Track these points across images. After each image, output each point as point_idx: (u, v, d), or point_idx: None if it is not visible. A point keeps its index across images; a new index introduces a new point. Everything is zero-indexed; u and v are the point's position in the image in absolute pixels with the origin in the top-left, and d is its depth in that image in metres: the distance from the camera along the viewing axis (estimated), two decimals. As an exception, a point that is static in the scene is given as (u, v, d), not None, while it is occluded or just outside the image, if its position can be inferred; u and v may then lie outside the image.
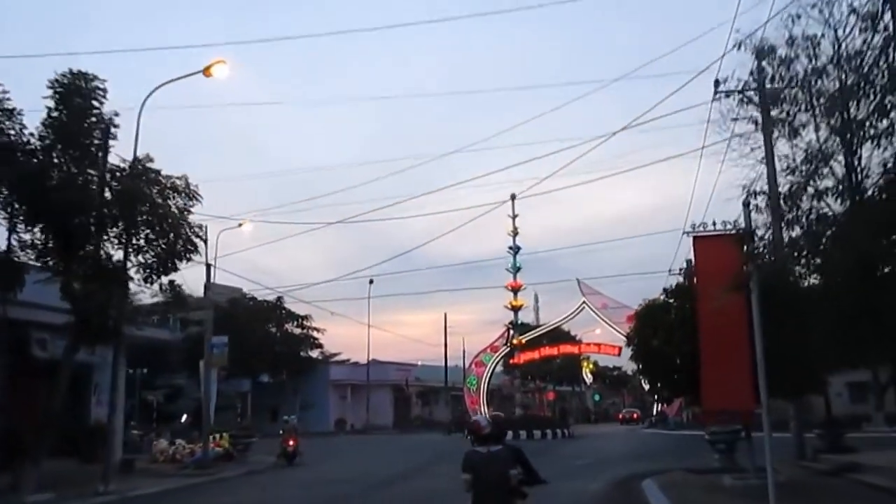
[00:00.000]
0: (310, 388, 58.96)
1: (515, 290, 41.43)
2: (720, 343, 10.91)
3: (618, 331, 57.78)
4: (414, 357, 72.56)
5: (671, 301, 16.72)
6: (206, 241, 26.97)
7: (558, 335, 67.36)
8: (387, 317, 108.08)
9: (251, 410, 57.14)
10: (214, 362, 27.87)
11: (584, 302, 59.17)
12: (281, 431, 27.75)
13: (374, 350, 66.78)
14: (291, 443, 26.31)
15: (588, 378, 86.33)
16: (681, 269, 16.92)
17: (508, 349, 61.30)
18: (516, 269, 41.35)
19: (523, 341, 42.39)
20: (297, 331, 60.13)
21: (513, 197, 41.53)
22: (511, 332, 63.60)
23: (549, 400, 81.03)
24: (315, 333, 59.52)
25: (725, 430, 18.87)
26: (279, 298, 58.89)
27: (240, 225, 38.51)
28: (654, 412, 56.92)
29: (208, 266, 26.13)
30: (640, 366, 17.88)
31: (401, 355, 70.11)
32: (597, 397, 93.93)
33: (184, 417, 57.25)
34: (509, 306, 41.60)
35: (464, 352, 66.47)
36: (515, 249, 41.33)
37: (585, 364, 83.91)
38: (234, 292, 60.63)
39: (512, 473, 6.49)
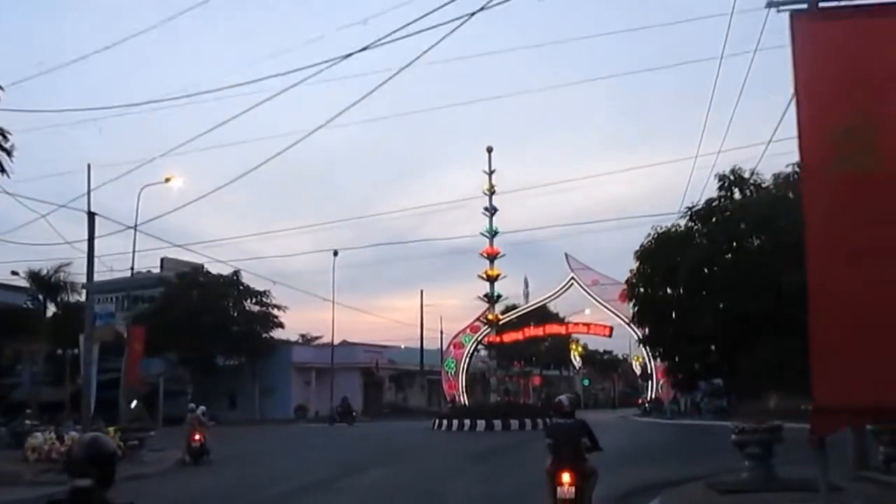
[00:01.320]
0: (270, 371, 53.61)
1: (492, 257, 35.79)
2: (857, 262, 5.16)
3: (609, 309, 52.58)
4: (400, 340, 67.55)
5: (696, 227, 11.13)
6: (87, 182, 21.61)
7: (545, 316, 62.26)
8: (377, 301, 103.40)
9: (196, 396, 51.58)
10: (98, 335, 22.21)
11: (572, 278, 53.94)
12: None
13: (361, 334, 61.75)
14: (198, 437, 20.95)
15: (577, 362, 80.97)
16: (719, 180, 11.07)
17: (486, 327, 56.06)
18: (493, 234, 35.71)
19: (500, 316, 36.59)
20: (256, 308, 54.85)
21: (489, 150, 35.92)
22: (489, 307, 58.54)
23: (535, 385, 75.83)
24: (276, 311, 54.26)
25: (760, 428, 13.52)
26: (236, 272, 53.43)
27: (167, 180, 32.95)
28: (648, 398, 51.60)
29: (91, 215, 20.44)
30: (647, 330, 12.15)
31: (387, 339, 64.47)
32: (586, 382, 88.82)
33: (133, 403, 51.88)
34: (484, 276, 36.03)
35: (441, 332, 61.10)
36: (492, 210, 35.70)
37: (574, 346, 78.67)
38: (182, 266, 55.16)
39: (582, 441, 8.45)
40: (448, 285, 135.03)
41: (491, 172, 35.68)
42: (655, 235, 11.81)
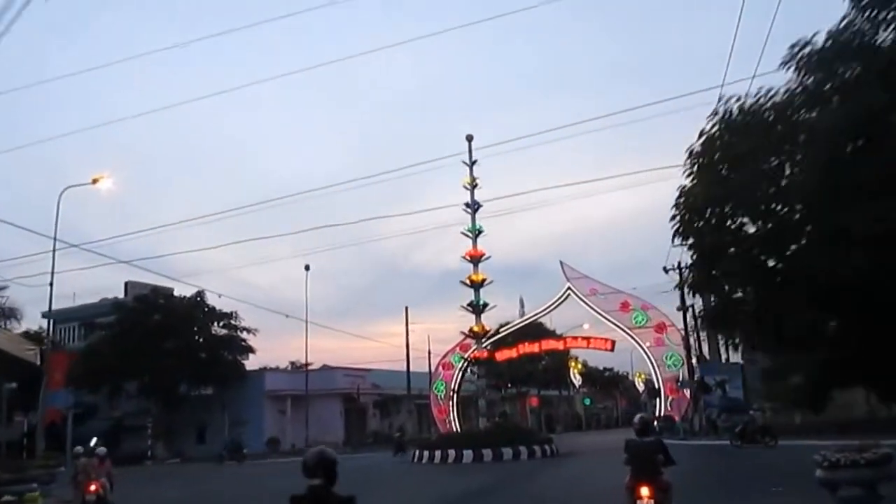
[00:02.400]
0: (241, 400, 48.82)
1: (476, 259, 31.15)
2: None
3: (610, 320, 48.00)
4: (391, 364, 63.02)
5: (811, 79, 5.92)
6: None
7: (542, 333, 57.76)
8: (374, 328, 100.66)
9: (157, 430, 46.76)
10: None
11: (568, 287, 49.41)
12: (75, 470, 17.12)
13: (354, 360, 57.10)
14: (93, 488, 16.18)
15: (577, 380, 76.10)
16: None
17: (473, 341, 51.38)
18: (476, 233, 31.13)
19: (486, 327, 31.78)
20: (224, 332, 50.18)
21: (469, 139, 31.50)
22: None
23: (532, 406, 70.95)
24: (245, 334, 49.60)
25: (861, 460, 8.98)
26: (199, 293, 48.83)
27: (94, 181, 28.47)
28: (657, 415, 46.77)
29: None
30: (713, 299, 7.52)
31: (380, 363, 59.48)
32: (587, 402, 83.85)
33: (93, 441, 47.04)
34: (468, 282, 31.39)
35: (429, 353, 56.34)
36: (474, 207, 31.16)
37: (573, 364, 73.99)
38: (141, 289, 50.53)
39: (658, 458, 8.89)
40: (445, 310, 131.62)
41: (472, 164, 31.24)
42: (728, 114, 7.00)
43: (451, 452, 27.14)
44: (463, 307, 30.82)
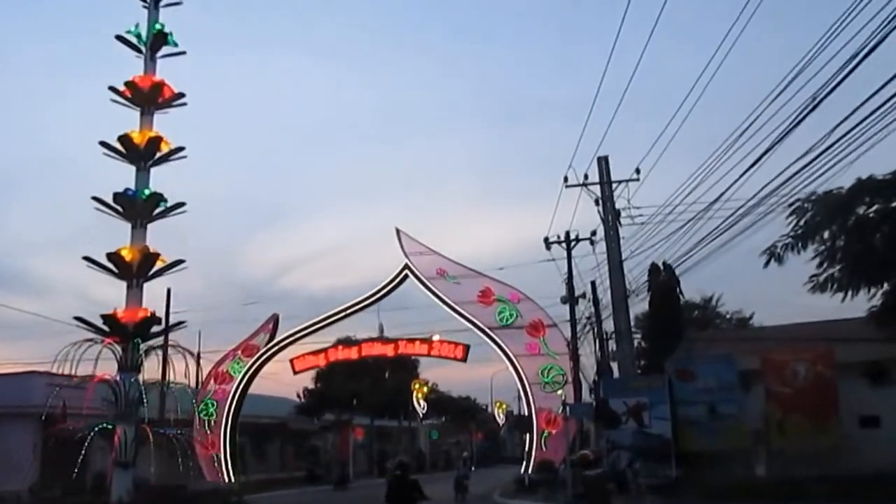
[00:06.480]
0: None
1: (143, 96, 13.41)
2: None
3: (464, 315, 32.39)
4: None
5: None
6: None
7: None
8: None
9: None
10: None
11: (406, 266, 33.44)
12: None
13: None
14: None
15: (421, 408, 59.48)
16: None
17: (269, 343, 34.56)
18: (153, 39, 13.52)
19: (154, 249, 13.69)
20: None
21: None
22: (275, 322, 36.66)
23: (357, 439, 53.71)
24: None
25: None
26: None
27: None
28: (526, 458, 31.06)
29: None
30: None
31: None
32: (434, 435, 67.58)
33: None
34: (117, 148, 13.10)
35: (198, 356, 38.24)
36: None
37: (417, 387, 57.61)
38: None
39: (609, 487, 10.42)
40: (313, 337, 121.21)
41: None
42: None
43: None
44: (98, 202, 13.17)
